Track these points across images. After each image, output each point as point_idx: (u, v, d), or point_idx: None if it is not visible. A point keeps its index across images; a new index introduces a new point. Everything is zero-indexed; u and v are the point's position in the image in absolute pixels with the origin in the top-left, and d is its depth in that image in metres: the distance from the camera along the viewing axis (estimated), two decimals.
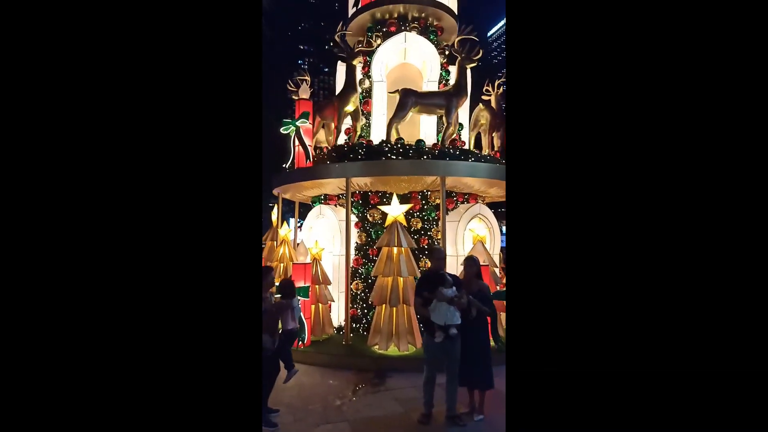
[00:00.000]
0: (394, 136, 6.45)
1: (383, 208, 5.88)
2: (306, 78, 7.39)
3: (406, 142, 6.35)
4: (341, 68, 7.98)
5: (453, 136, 6.65)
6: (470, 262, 3.98)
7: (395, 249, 5.54)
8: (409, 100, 6.37)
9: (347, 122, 7.11)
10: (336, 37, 7.06)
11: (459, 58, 6.58)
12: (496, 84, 7.38)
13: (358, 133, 6.84)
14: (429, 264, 6.48)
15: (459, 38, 6.99)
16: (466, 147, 7.08)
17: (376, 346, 5.55)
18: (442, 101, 6.45)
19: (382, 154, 6.22)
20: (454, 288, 3.63)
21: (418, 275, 5.85)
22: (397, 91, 6.55)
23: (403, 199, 6.23)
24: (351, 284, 6.28)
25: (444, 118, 6.46)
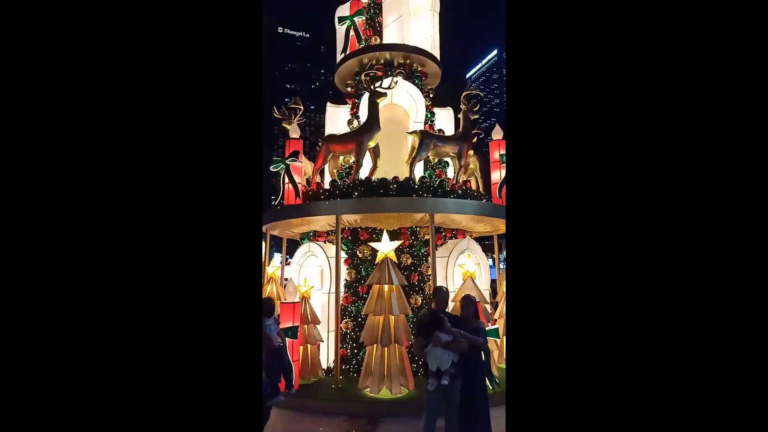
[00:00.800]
0: (415, 175, 6.66)
1: (374, 244, 5.89)
2: (299, 106, 7.59)
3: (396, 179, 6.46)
4: (331, 109, 8.23)
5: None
6: (467, 301, 3.96)
7: (386, 286, 5.50)
8: (429, 141, 6.68)
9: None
10: (363, 77, 7.29)
11: (465, 109, 7.01)
12: (462, 97, 7.44)
13: (377, 168, 6.90)
14: (419, 301, 6.46)
15: (465, 93, 7.39)
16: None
17: (368, 389, 5.37)
18: (456, 145, 6.81)
19: (375, 191, 6.30)
20: (452, 332, 3.60)
21: (410, 313, 5.81)
22: (414, 132, 6.81)
23: (392, 236, 6.26)
24: (340, 323, 6.16)
25: (455, 161, 6.85)
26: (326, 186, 7.10)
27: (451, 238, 7.16)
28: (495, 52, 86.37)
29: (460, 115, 7.22)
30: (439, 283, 5.86)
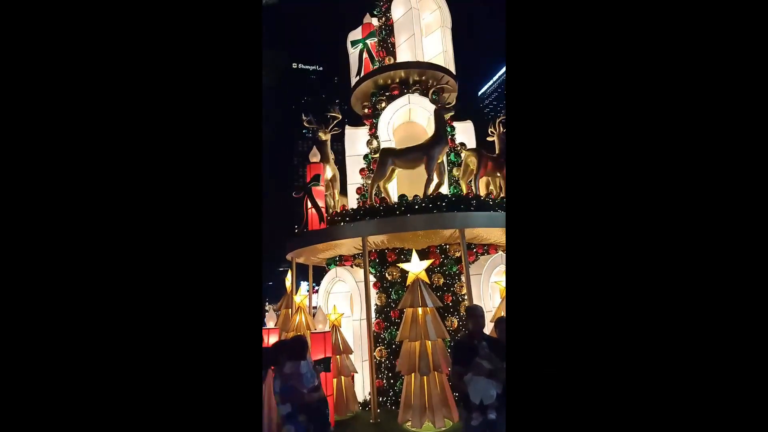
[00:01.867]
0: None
1: (403, 265, 5.59)
2: (338, 114, 7.63)
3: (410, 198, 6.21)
4: (350, 131, 8.16)
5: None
6: (502, 323, 3.57)
7: (420, 309, 5.16)
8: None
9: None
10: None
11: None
12: (497, 123, 7.39)
13: (443, 183, 6.74)
14: (455, 324, 6.06)
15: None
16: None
17: (409, 423, 4.95)
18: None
19: (396, 211, 6.07)
20: (493, 358, 3.22)
21: (447, 337, 5.41)
22: (471, 150, 6.80)
23: (421, 255, 5.96)
24: (374, 351, 5.81)
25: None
26: (349, 207, 6.96)
27: (483, 254, 6.78)
28: (504, 69, 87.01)
29: (495, 138, 7.16)
30: (475, 302, 5.48)
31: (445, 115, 6.70)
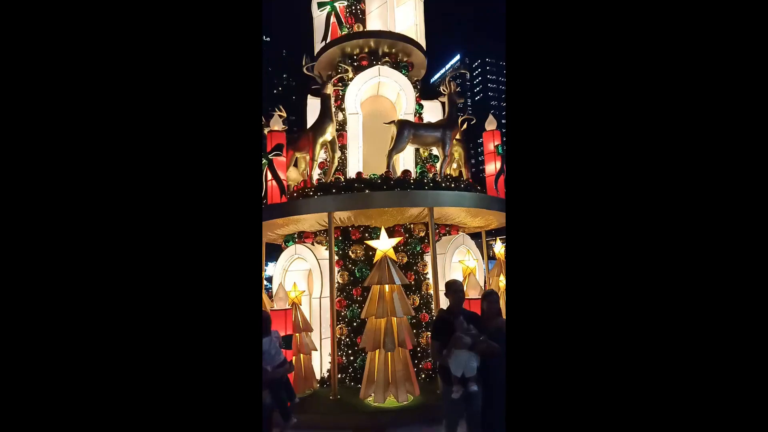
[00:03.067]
0: (394, 168, 6.23)
1: (371, 242, 5.46)
2: (281, 113, 6.99)
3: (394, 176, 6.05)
4: (311, 101, 7.72)
5: (332, 167, 6.48)
6: (493, 297, 3.61)
7: (387, 287, 5.10)
8: (406, 131, 6.26)
9: (322, 155, 6.76)
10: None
11: (449, 92, 6.63)
12: (447, 80, 6.93)
13: (335, 166, 6.49)
14: (416, 302, 6.10)
15: (451, 74, 7.09)
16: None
17: (371, 398, 4.94)
18: (438, 133, 6.41)
19: (361, 187, 5.87)
20: (474, 332, 3.26)
21: (412, 314, 5.43)
22: (393, 122, 6.39)
23: (387, 234, 5.87)
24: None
25: (439, 150, 6.43)
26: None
27: (445, 234, 6.86)
28: (458, 56, 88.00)
29: (444, 99, 6.88)
30: (438, 281, 5.54)
31: (458, 101, 6.62)
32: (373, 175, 6.04)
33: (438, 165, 6.59)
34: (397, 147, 6.21)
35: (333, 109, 6.63)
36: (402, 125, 6.29)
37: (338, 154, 6.61)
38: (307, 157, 6.52)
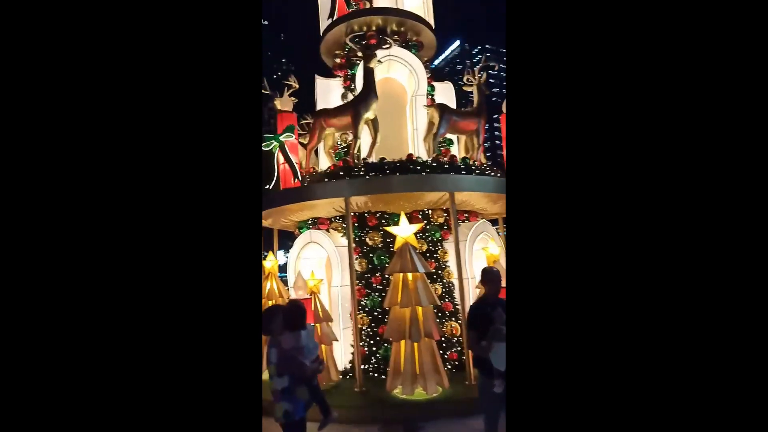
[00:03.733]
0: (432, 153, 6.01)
1: (391, 229, 5.21)
2: (293, 84, 6.64)
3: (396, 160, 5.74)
4: (321, 82, 7.40)
5: (373, 147, 6.09)
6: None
7: (410, 275, 4.86)
8: (450, 116, 6.11)
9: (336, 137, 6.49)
10: (347, 40, 6.43)
11: (478, 83, 6.52)
12: (476, 71, 6.85)
13: (377, 145, 6.09)
14: (438, 290, 5.88)
15: (482, 65, 6.90)
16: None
17: (398, 390, 4.75)
18: (475, 121, 6.30)
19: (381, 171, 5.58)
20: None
21: (438, 303, 5.21)
22: (433, 106, 6.18)
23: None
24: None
25: (474, 139, 6.32)
26: (319, 169, 6.33)
27: (463, 221, 6.61)
28: (457, 42, 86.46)
29: (473, 89, 6.64)
30: (454, 268, 5.31)
31: (371, 65, 5.95)
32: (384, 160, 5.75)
33: (467, 151, 6.45)
34: (440, 132, 6.07)
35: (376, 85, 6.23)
36: (443, 110, 6.11)
37: (380, 133, 6.21)
38: (338, 134, 6.20)
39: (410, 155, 5.92)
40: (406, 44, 7.40)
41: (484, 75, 6.63)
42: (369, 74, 5.95)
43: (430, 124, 6.17)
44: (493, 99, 7.93)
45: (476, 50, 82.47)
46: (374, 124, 5.99)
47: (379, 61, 6.15)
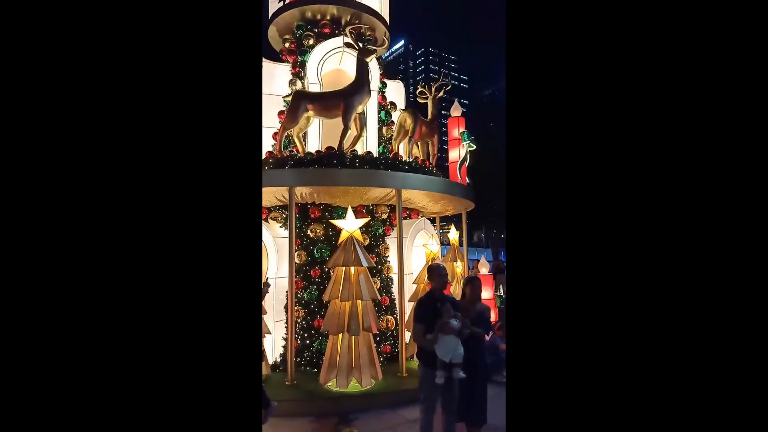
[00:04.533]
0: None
1: (337, 222, 5.17)
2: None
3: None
4: (267, 65, 7.04)
5: (357, 141, 5.99)
6: (476, 282, 3.60)
7: (353, 269, 4.88)
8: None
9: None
10: (348, 31, 6.15)
11: (433, 96, 6.29)
12: (433, 87, 7.26)
13: (362, 139, 5.99)
14: (377, 284, 5.96)
15: (438, 84, 6.79)
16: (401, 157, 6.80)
17: (332, 383, 4.75)
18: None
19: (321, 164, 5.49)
20: (460, 318, 3.23)
21: (378, 297, 5.29)
22: (407, 110, 6.17)
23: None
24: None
25: (429, 146, 6.15)
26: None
27: (406, 218, 6.78)
28: (402, 42, 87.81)
29: (428, 101, 6.83)
30: (393, 263, 5.46)
31: (367, 59, 5.94)
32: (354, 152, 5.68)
33: (427, 158, 6.49)
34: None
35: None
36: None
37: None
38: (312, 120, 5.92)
39: (329, 148, 5.81)
40: (359, 37, 7.36)
41: (441, 92, 6.85)
42: (363, 67, 5.81)
43: (401, 126, 6.25)
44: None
45: (420, 51, 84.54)
46: (361, 118, 5.90)
47: (368, 52, 5.99)
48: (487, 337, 3.62)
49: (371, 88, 6.87)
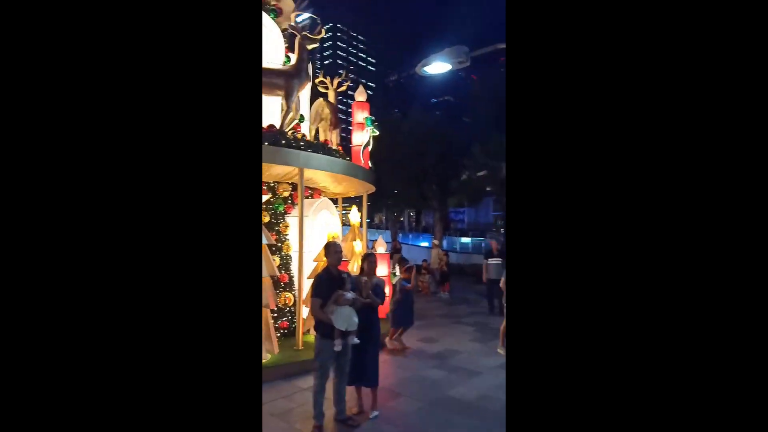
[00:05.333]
0: None
1: None
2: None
3: None
4: None
5: (294, 122, 6.07)
6: (372, 258, 3.95)
7: None
8: (335, 111, 5.97)
9: None
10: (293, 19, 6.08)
11: (298, 36, 5.95)
12: (335, 81, 7.40)
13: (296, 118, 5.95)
14: (277, 261, 6.01)
15: (296, 13, 6.67)
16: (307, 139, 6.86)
17: None
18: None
19: None
20: (353, 289, 3.55)
21: (276, 274, 5.34)
22: (323, 99, 6.07)
23: None
24: None
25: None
26: None
27: (308, 197, 6.86)
28: (307, 15, 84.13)
29: (329, 93, 6.92)
30: (295, 242, 5.57)
31: (308, 47, 5.93)
32: None
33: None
34: (335, 126, 6.06)
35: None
36: (332, 105, 6.24)
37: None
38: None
39: (271, 126, 5.77)
40: (264, 8, 7.04)
41: (344, 87, 6.99)
42: (304, 52, 5.90)
43: (317, 114, 6.36)
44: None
45: (328, 27, 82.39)
46: (297, 101, 5.94)
47: (315, 41, 6.02)
48: (382, 308, 4.01)
49: (275, 60, 6.71)
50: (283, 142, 5.61)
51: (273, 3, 7.39)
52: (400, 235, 26.03)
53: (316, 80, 7.29)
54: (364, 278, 3.83)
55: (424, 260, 12.46)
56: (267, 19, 6.76)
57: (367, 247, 7.97)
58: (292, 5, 7.66)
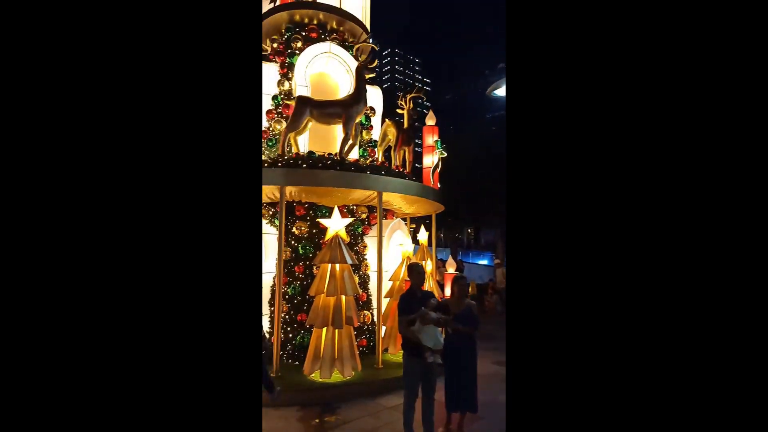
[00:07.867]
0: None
1: (324, 221, 5.47)
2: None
3: (318, 154, 6.10)
4: (267, 68, 7.10)
5: (353, 148, 6.45)
6: (462, 281, 4.04)
7: (338, 266, 5.21)
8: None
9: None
10: (356, 48, 6.77)
11: (357, 64, 6.46)
12: (408, 98, 7.74)
13: (355, 146, 6.48)
14: (357, 280, 6.33)
15: (357, 45, 7.16)
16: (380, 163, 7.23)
17: (315, 374, 5.05)
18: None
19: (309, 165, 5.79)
20: (439, 311, 3.68)
21: (360, 293, 5.65)
22: (391, 121, 6.59)
23: (331, 213, 5.93)
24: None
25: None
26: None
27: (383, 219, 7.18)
28: (370, 40, 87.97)
29: (405, 112, 7.36)
30: (372, 262, 5.86)
31: (366, 76, 6.47)
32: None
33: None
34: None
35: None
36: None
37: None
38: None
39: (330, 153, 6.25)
40: (343, 44, 7.65)
41: (411, 103, 7.39)
42: (362, 81, 6.31)
43: (384, 135, 6.85)
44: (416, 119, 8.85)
45: (386, 52, 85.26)
46: (357, 127, 6.44)
47: (373, 70, 6.51)
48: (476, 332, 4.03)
49: (350, 93, 7.23)
50: (366, 168, 6.00)
51: (351, 41, 7.95)
52: (459, 252, 25.68)
53: (399, 102, 7.73)
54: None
55: (490, 279, 12.26)
56: (348, 55, 7.30)
57: (437, 266, 8.09)
58: (367, 43, 8.23)
